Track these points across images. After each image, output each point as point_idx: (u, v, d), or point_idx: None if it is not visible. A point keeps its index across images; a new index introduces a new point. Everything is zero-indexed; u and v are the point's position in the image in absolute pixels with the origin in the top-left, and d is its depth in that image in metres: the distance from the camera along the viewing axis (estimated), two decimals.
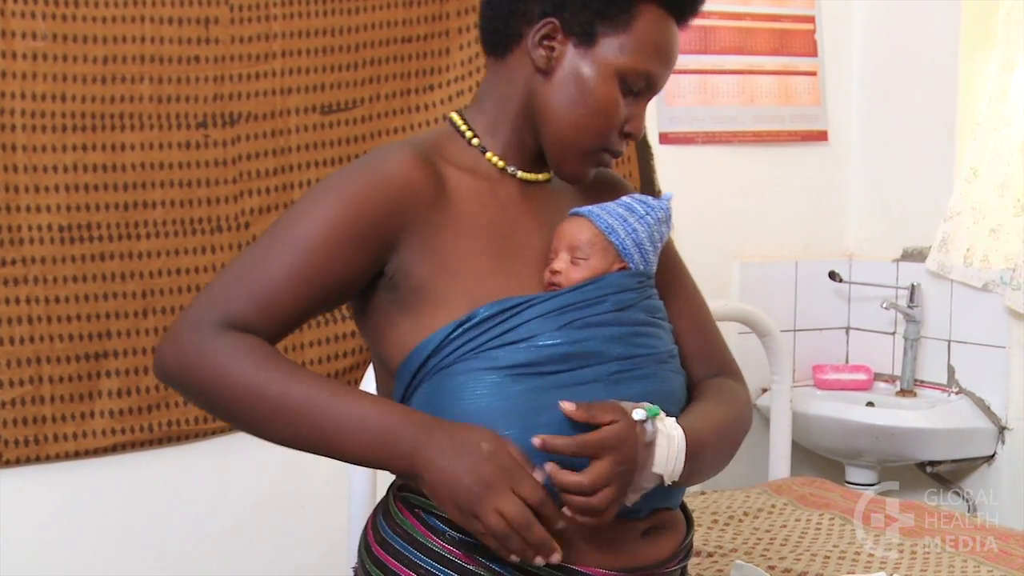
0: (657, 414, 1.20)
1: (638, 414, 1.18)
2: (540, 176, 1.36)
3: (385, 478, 1.30)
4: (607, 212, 1.32)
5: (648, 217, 1.33)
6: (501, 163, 1.33)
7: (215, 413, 1.24)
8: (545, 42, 1.28)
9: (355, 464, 1.23)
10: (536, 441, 1.14)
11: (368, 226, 1.23)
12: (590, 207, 1.32)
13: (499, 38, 1.31)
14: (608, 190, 1.40)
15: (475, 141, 1.33)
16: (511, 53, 1.31)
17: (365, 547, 1.30)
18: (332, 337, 2.44)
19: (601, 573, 1.21)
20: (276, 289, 1.21)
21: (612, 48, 1.27)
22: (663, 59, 1.30)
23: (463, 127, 1.34)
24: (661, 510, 1.29)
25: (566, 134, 1.30)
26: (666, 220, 1.35)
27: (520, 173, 1.34)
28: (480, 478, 1.12)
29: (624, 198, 1.35)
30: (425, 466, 1.14)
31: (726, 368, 1.43)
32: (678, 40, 1.32)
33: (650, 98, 1.33)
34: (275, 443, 1.21)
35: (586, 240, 1.29)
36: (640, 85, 1.30)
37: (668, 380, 1.30)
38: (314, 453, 1.20)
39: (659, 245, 1.35)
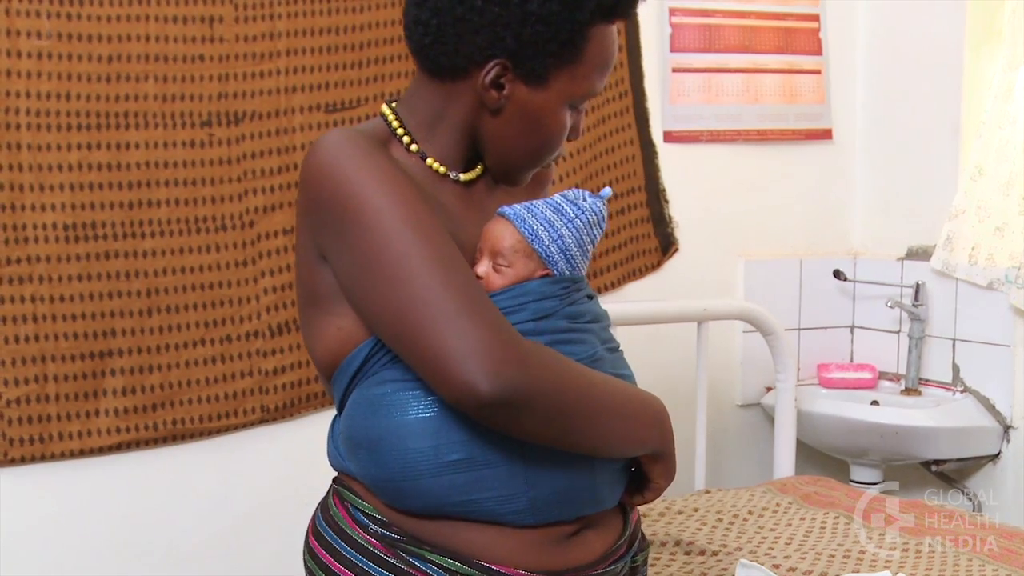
0: None
1: None
2: (474, 173, 1.33)
3: None
4: (532, 215, 1.26)
5: (577, 221, 1.27)
6: (443, 169, 1.29)
7: (549, 430, 1.18)
8: (496, 81, 1.23)
9: (621, 455, 1.28)
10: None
11: (401, 174, 1.20)
12: (516, 208, 1.27)
13: (440, 68, 1.25)
14: (542, 179, 1.40)
15: (414, 147, 1.28)
16: (451, 81, 1.25)
17: (305, 538, 1.32)
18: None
19: (521, 575, 1.20)
20: (467, 271, 1.17)
21: (563, 81, 1.24)
22: (607, 70, 1.28)
23: (399, 131, 1.29)
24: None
25: (514, 160, 1.30)
26: (598, 223, 1.29)
27: (462, 176, 1.31)
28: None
29: (555, 197, 1.29)
30: (670, 443, 1.30)
31: None
32: (616, 37, 1.29)
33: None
34: (591, 448, 1.23)
35: (508, 247, 1.24)
36: (586, 100, 1.29)
37: None
38: (605, 451, 1.25)
39: (589, 248, 1.29)
